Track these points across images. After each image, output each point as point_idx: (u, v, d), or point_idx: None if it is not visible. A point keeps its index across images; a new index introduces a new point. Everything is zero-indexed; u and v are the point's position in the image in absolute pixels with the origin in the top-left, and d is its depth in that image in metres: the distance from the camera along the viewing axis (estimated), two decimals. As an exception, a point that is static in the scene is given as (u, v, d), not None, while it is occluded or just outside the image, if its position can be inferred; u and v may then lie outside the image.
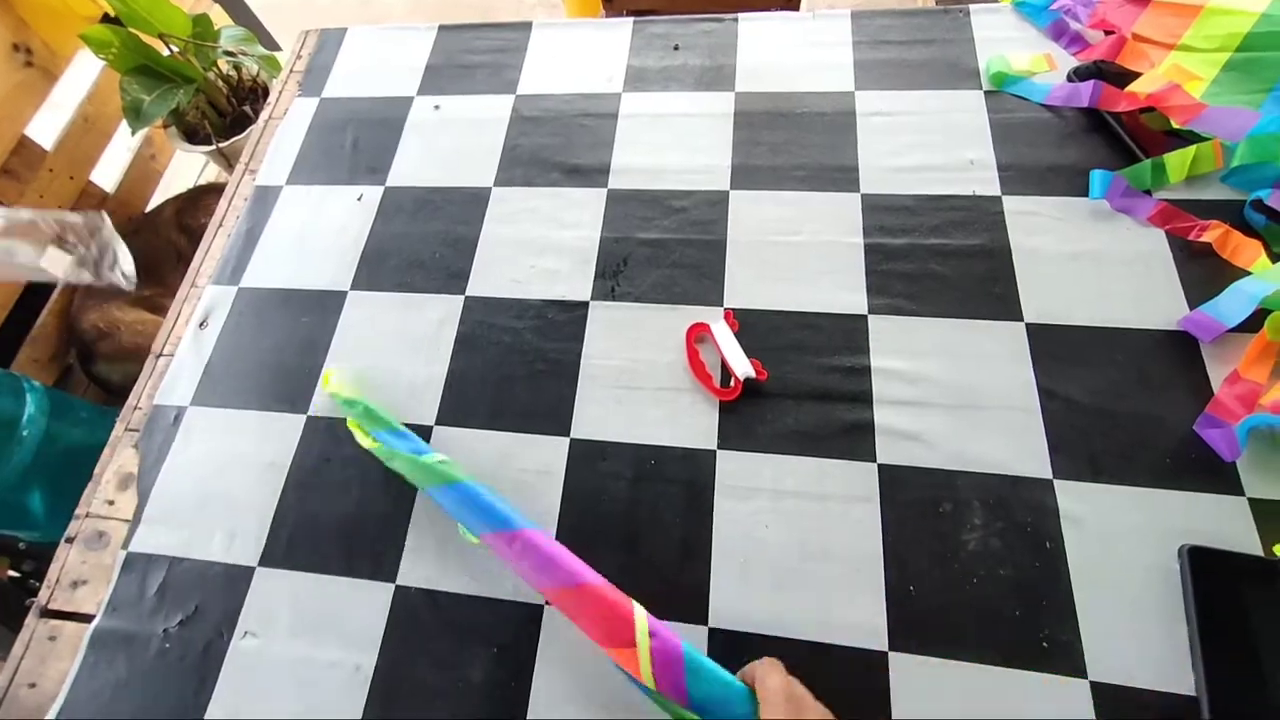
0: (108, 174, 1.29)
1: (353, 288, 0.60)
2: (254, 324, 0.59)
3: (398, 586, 0.46)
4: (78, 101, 1.22)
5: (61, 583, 0.50)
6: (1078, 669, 0.39)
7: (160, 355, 0.60)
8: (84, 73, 1.23)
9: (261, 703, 0.43)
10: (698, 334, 0.52)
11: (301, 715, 0.42)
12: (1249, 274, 0.48)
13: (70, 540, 0.52)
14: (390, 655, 0.44)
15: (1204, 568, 0.39)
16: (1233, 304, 0.46)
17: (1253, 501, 0.41)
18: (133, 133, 1.11)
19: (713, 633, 0.42)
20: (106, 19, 1.15)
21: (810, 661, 0.40)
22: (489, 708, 0.42)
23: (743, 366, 0.49)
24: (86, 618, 0.48)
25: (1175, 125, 0.54)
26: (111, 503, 0.53)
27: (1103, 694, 0.38)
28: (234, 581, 0.47)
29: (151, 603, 0.48)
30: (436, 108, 0.68)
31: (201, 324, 0.60)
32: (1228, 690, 0.37)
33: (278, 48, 1.69)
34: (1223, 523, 0.41)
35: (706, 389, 0.50)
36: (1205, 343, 0.47)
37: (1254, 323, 0.45)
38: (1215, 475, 0.42)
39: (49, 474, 0.92)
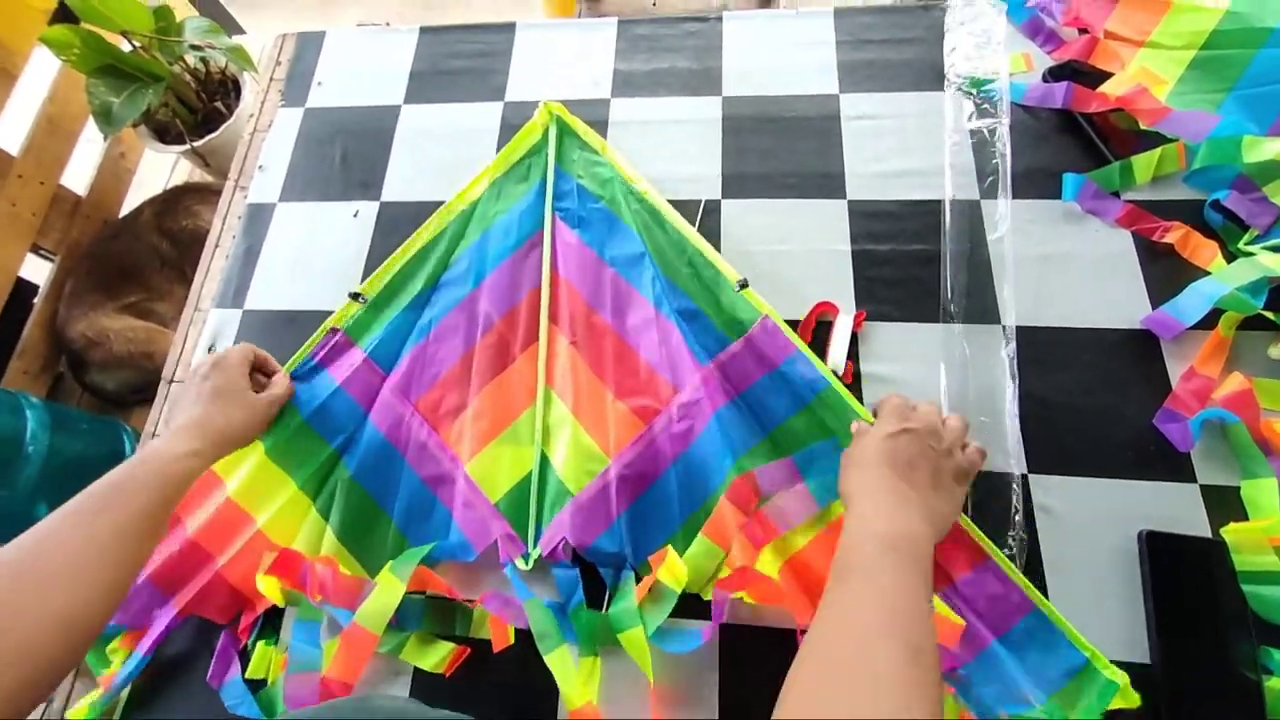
0: (77, 176, 1.26)
1: (357, 309, 0.61)
2: (262, 347, 0.60)
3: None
4: (38, 102, 1.18)
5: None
6: (1049, 645, 0.43)
7: (171, 381, 0.61)
8: (41, 72, 1.18)
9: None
10: (823, 311, 0.54)
11: None
12: (1208, 273, 0.51)
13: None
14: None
15: (1159, 550, 0.44)
16: (1191, 303, 0.49)
17: (1204, 488, 0.46)
18: (105, 138, 1.09)
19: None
20: (62, 10, 1.10)
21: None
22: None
23: (837, 357, 0.52)
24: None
25: (1143, 126, 0.56)
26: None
27: (1070, 666, 0.43)
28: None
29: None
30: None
31: (210, 348, 0.61)
32: (1180, 658, 0.42)
33: (241, 31, 1.63)
34: (1177, 508, 0.46)
35: None
36: (1166, 340, 0.50)
37: (1210, 320, 0.49)
38: (1172, 465, 0.47)
39: (55, 488, 0.93)
